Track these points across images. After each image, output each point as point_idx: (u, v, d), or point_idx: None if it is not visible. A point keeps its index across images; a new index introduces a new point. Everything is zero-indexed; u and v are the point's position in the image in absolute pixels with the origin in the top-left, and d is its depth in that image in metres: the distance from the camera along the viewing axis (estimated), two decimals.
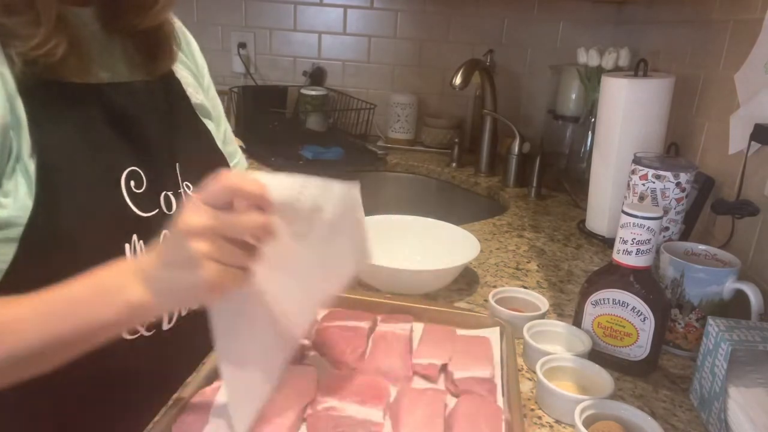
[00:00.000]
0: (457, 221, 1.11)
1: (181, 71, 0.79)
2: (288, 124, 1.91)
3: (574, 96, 1.70)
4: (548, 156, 1.59)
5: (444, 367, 0.70)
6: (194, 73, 0.82)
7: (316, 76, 2.03)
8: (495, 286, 0.97)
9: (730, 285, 0.77)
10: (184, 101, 0.77)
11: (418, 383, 0.69)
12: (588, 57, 1.50)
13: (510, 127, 1.61)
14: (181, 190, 0.71)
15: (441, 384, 0.69)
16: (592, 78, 1.52)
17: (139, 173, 0.65)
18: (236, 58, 2.03)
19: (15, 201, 0.56)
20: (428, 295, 0.93)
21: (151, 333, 0.67)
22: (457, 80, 1.52)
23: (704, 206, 1.05)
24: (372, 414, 0.59)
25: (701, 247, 0.85)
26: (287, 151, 1.71)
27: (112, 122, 0.64)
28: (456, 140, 1.81)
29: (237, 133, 1.78)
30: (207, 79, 0.86)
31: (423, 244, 1.06)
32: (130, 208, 0.63)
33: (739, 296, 0.77)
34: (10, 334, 0.50)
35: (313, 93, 1.89)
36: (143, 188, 0.65)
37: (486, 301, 0.91)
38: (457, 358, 0.70)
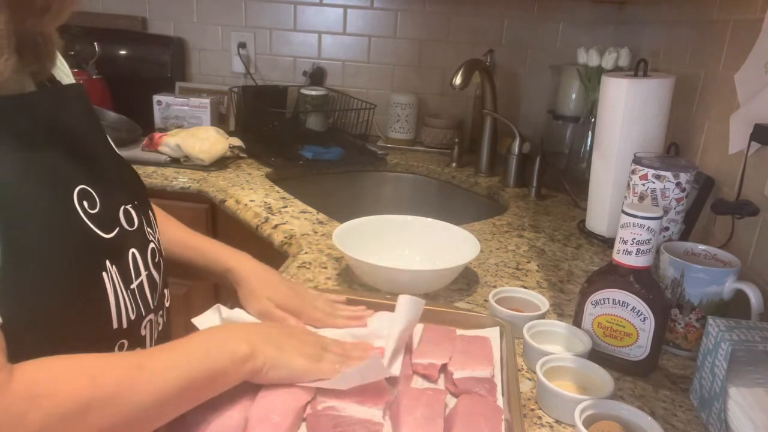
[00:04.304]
0: (457, 221, 1.11)
1: (61, 76, 0.67)
2: (288, 124, 1.90)
3: (574, 96, 1.70)
4: (548, 156, 1.58)
5: (444, 367, 0.70)
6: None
7: (316, 76, 2.03)
8: (495, 286, 0.97)
9: (730, 285, 0.77)
10: (89, 105, 0.66)
11: (418, 383, 0.69)
12: (588, 57, 1.50)
13: (510, 127, 1.61)
14: (136, 201, 0.64)
15: (441, 384, 0.69)
16: (592, 78, 1.52)
17: (90, 191, 0.56)
18: (236, 58, 2.03)
19: None
20: (428, 295, 0.93)
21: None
22: (457, 80, 1.52)
23: (704, 206, 1.05)
24: (372, 414, 0.59)
25: (701, 247, 0.85)
26: (287, 151, 1.71)
27: (46, 136, 0.55)
28: (456, 140, 1.81)
29: (237, 133, 1.81)
30: None
31: (423, 244, 1.06)
32: (94, 231, 0.55)
33: (739, 296, 0.77)
34: (160, 378, 0.51)
35: (313, 93, 1.89)
36: (98, 207, 0.56)
37: (486, 301, 0.91)
38: (457, 358, 0.70)
